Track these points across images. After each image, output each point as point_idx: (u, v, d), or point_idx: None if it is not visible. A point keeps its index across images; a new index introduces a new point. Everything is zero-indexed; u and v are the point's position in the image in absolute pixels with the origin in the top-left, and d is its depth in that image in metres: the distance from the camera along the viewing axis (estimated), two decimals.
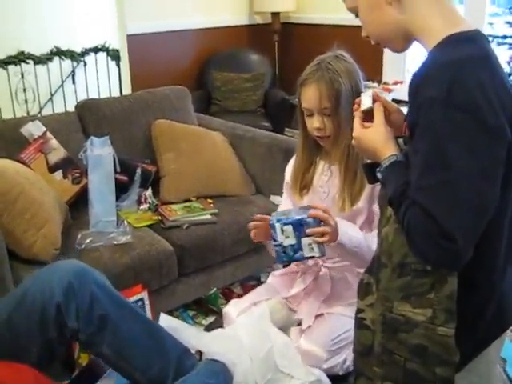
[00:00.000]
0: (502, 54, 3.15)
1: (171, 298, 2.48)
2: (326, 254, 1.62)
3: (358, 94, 1.58)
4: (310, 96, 1.72)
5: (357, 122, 1.30)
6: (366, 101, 1.30)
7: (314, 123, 1.73)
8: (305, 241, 1.58)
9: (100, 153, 2.46)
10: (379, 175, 1.22)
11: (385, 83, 4.03)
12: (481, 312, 1.20)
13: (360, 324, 1.37)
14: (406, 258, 1.19)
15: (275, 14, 4.71)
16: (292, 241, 1.58)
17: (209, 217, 2.58)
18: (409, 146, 1.12)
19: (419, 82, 1.08)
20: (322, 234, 1.58)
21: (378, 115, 1.27)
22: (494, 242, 1.15)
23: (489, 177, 1.05)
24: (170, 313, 2.24)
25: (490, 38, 3.15)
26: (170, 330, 1.78)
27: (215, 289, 2.62)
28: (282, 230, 1.59)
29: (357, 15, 1.26)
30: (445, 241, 1.03)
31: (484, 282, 1.18)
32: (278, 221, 1.59)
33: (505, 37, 3.10)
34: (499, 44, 3.13)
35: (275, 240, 1.60)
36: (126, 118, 2.89)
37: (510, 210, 1.15)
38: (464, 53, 1.06)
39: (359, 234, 1.65)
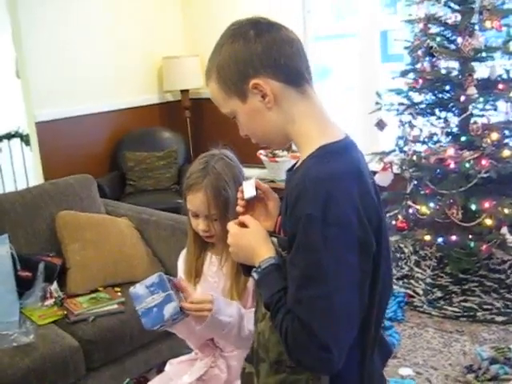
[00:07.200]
0: (392, 119, 3.31)
1: None
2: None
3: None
4: (197, 202, 1.71)
5: (233, 221, 1.32)
6: (248, 189, 1.33)
7: (199, 225, 1.74)
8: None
9: None
10: (255, 275, 1.22)
11: (293, 151, 4.16)
12: None
13: None
14: (281, 356, 1.21)
15: (184, 91, 4.83)
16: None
17: (115, 306, 2.55)
18: (287, 256, 1.15)
19: (298, 195, 1.10)
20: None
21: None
22: (363, 336, 1.18)
23: (359, 289, 1.11)
24: None
25: (379, 106, 3.32)
26: None
27: (128, 379, 2.56)
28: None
29: (234, 118, 1.25)
30: (321, 351, 1.06)
31: (354, 371, 1.21)
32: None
33: (392, 104, 3.26)
34: (389, 110, 3.29)
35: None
36: (28, 212, 2.85)
37: (376, 307, 1.20)
38: (335, 168, 1.11)
39: (231, 318, 1.65)
